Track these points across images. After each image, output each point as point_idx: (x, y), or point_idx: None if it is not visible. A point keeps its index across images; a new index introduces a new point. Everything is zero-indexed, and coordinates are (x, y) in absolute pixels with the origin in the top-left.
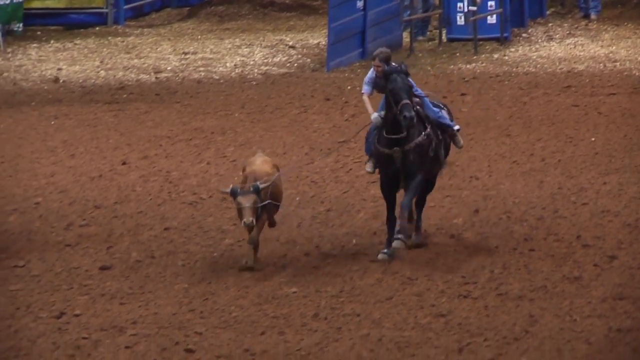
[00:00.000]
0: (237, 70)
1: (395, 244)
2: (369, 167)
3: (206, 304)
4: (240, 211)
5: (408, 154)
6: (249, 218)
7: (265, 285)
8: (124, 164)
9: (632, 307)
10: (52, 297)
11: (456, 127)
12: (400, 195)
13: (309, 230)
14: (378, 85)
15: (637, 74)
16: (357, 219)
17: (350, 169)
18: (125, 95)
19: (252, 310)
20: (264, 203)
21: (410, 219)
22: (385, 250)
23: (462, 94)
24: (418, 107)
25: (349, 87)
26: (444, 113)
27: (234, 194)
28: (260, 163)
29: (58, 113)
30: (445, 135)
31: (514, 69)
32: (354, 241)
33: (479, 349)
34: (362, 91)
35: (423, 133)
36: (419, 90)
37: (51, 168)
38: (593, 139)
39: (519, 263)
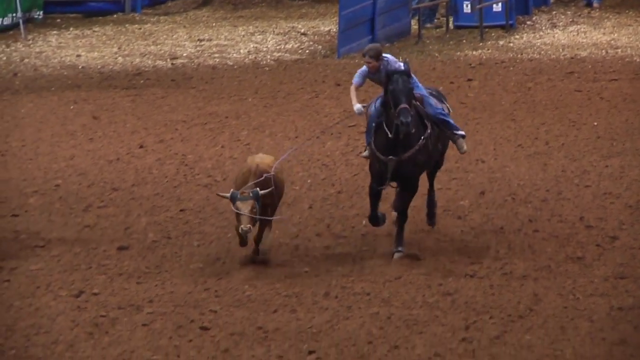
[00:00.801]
0: (250, 57)
1: (396, 257)
2: (365, 152)
3: (220, 283)
4: (237, 217)
5: (404, 162)
6: (246, 225)
7: (277, 264)
8: (141, 147)
9: (634, 286)
10: (71, 277)
11: (461, 133)
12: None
13: (320, 212)
14: (372, 78)
15: (638, 60)
16: (367, 201)
17: (361, 153)
18: (142, 81)
19: (265, 289)
20: (271, 218)
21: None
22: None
23: (469, 80)
24: (418, 103)
25: None
26: (446, 109)
27: (233, 198)
28: (262, 157)
29: (77, 98)
30: (444, 134)
31: (519, 56)
32: (364, 222)
33: (484, 327)
34: (352, 81)
35: (422, 137)
36: (420, 87)
37: (71, 151)
38: (595, 123)
39: (524, 243)
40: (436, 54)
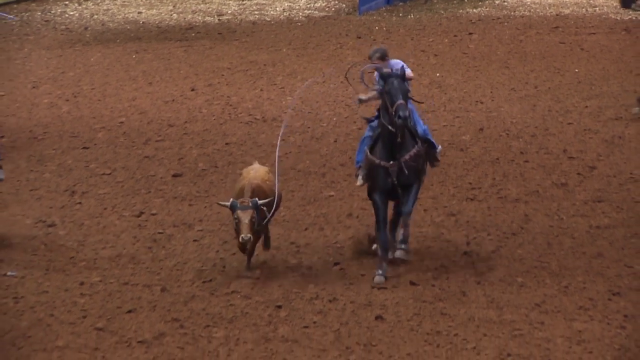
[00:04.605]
0: (285, 14)
1: (398, 254)
2: (359, 180)
3: None
4: (237, 226)
5: (404, 165)
6: (246, 234)
7: (307, 189)
8: (192, 90)
9: (609, 208)
10: (133, 200)
11: (439, 148)
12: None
13: (344, 145)
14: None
15: (612, 17)
16: None
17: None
18: (193, 34)
19: (297, 210)
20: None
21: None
22: (380, 272)
23: (470, 33)
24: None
25: (376, 28)
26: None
27: (233, 208)
28: (256, 169)
29: (138, 48)
30: (428, 153)
31: (512, 13)
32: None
33: (483, 242)
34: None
35: (416, 146)
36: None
37: (133, 93)
38: (577, 70)
39: (516, 172)
40: (442, 12)
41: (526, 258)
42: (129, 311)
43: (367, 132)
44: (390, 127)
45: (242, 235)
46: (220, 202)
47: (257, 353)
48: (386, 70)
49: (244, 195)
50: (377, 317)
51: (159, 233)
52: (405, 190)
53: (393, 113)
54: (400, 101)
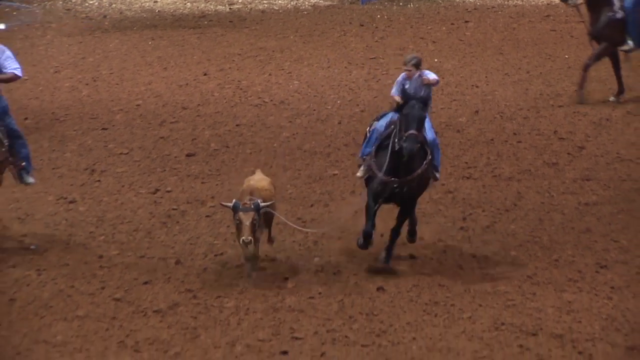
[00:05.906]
0: (292, 3)
1: (380, 259)
2: (360, 172)
3: None
4: (238, 227)
5: (406, 184)
6: (247, 237)
7: (313, 168)
8: (205, 74)
9: (597, 186)
10: (149, 177)
11: (437, 175)
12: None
13: (347, 126)
14: (405, 89)
15: None
16: None
17: (379, 80)
18: (206, 22)
19: (304, 188)
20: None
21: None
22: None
23: (466, 21)
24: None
25: (378, 16)
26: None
27: (235, 209)
28: (258, 179)
29: (154, 35)
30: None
31: (506, 2)
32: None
33: (478, 218)
34: (392, 92)
35: (424, 162)
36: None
37: (149, 78)
38: (567, 56)
39: (509, 152)
40: (440, 1)
41: (519, 233)
42: (145, 282)
43: (380, 123)
44: (396, 147)
45: (243, 237)
46: (223, 203)
47: (266, 322)
48: (417, 77)
49: (244, 198)
50: (378, 289)
51: (174, 209)
52: (404, 204)
53: (403, 139)
54: (413, 131)
